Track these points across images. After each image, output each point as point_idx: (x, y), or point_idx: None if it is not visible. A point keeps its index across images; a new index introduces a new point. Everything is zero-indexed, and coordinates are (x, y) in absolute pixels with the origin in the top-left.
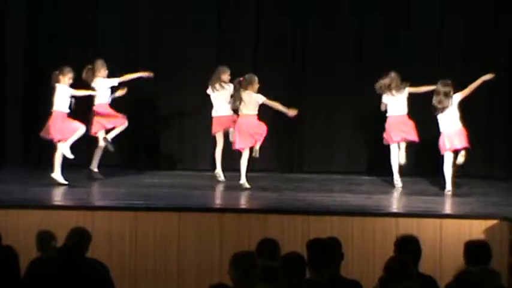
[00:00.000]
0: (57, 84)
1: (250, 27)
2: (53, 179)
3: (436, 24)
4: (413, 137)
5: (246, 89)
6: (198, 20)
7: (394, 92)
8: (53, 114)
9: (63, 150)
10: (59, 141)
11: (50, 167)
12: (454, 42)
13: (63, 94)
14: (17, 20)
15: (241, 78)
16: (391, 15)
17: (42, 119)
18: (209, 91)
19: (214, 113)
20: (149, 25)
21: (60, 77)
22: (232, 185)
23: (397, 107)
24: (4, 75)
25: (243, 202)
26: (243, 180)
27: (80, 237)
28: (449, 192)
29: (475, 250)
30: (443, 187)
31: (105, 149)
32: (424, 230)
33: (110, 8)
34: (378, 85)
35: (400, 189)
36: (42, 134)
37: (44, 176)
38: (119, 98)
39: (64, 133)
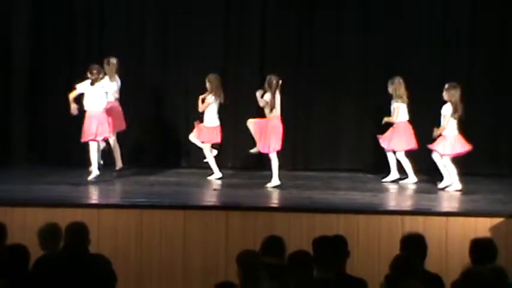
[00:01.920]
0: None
1: (256, 27)
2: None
3: (441, 24)
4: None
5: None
6: (204, 21)
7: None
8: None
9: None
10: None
11: (54, 165)
12: (458, 42)
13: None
14: (23, 19)
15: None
16: (397, 16)
17: (46, 118)
18: (213, 100)
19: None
20: (155, 25)
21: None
22: (237, 183)
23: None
24: (9, 75)
25: (249, 200)
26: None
27: (78, 232)
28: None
29: (480, 248)
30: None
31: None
32: (430, 227)
33: (115, 8)
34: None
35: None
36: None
37: (49, 174)
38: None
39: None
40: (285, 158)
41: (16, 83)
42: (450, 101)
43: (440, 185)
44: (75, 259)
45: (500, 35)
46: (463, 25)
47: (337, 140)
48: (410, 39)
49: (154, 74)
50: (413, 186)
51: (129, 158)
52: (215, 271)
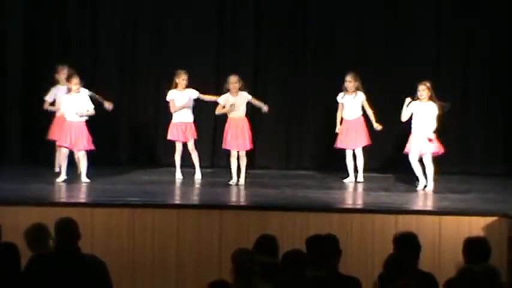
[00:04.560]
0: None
1: (250, 27)
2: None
3: (435, 25)
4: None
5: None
6: (198, 23)
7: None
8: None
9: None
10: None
11: (49, 165)
12: (454, 44)
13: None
14: (16, 20)
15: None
16: (392, 17)
17: (40, 118)
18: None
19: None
20: (148, 26)
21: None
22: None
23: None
24: (4, 75)
25: (242, 199)
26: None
27: (68, 228)
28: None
29: (474, 247)
30: (444, 184)
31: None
32: (423, 227)
33: (109, 10)
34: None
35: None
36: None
37: (43, 174)
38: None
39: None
40: (278, 157)
41: (10, 83)
42: (432, 99)
43: (419, 187)
44: (67, 259)
45: (495, 34)
46: (459, 26)
47: (330, 139)
48: (408, 41)
49: (148, 74)
50: (405, 185)
51: (121, 157)
52: (208, 270)
